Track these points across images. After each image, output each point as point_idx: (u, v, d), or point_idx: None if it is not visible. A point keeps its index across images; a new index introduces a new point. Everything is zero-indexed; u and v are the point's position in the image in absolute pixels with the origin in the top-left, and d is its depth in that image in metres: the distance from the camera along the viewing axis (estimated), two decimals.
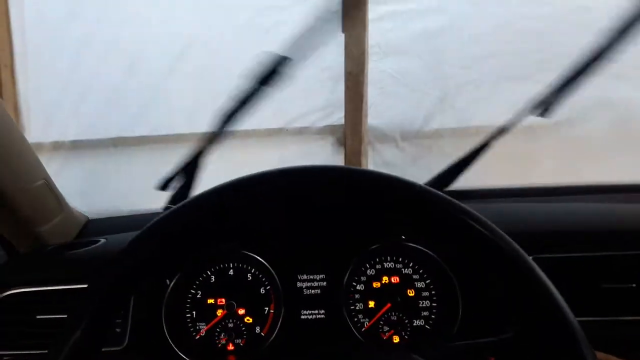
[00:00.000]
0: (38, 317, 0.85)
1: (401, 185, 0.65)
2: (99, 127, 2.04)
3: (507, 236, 0.60)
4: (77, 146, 2.05)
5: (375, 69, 2.01)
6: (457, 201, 0.64)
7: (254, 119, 2.05)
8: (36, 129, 2.03)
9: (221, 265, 0.95)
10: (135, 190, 2.03)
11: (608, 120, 2.01)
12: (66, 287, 0.86)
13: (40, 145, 1.99)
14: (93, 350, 0.54)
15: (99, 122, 2.04)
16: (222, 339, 0.92)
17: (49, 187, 0.92)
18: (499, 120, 2.06)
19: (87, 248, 0.95)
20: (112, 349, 0.82)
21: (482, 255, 0.62)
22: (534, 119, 2.04)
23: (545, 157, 2.03)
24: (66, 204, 1.00)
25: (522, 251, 0.59)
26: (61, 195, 0.98)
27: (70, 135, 2.04)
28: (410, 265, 0.96)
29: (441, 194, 0.64)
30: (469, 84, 2.04)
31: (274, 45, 1.99)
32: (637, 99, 2.01)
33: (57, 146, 2.03)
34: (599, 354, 0.56)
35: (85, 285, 0.83)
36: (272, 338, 0.91)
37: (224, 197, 0.64)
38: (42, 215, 0.91)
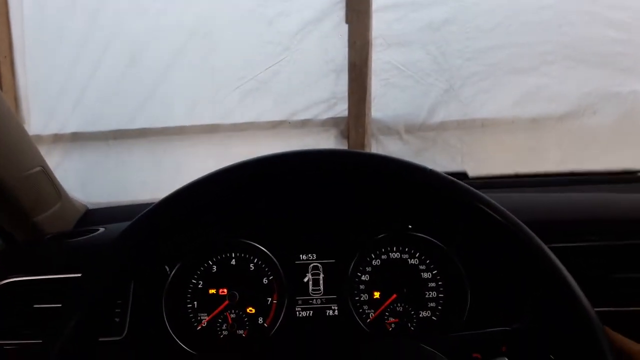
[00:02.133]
0: (36, 305, 0.83)
1: (410, 169, 0.62)
2: (99, 119, 2.03)
3: (521, 223, 0.58)
4: (77, 138, 2.03)
5: (379, 60, 2.00)
6: (466, 185, 0.62)
7: (255, 112, 2.05)
8: (36, 121, 2.01)
9: (223, 255, 0.92)
10: (136, 182, 2.02)
11: (615, 113, 1.99)
12: (64, 276, 0.83)
13: (40, 138, 1.98)
14: (89, 339, 0.52)
15: (99, 115, 2.02)
16: (224, 329, 0.90)
17: (46, 174, 0.90)
18: (504, 113, 2.06)
19: (85, 237, 0.92)
20: (111, 338, 0.80)
21: (494, 242, 0.59)
22: (539, 111, 2.03)
23: (552, 149, 2.01)
24: (65, 193, 0.97)
25: (537, 238, 0.57)
26: (59, 183, 0.96)
27: (70, 128, 2.03)
28: (417, 255, 0.94)
29: (450, 177, 0.62)
30: (474, 75, 2.03)
31: (276, 36, 1.99)
32: None
33: (57, 139, 2.02)
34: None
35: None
36: (275, 329, 0.89)
37: (223, 181, 0.61)
38: (40, 203, 0.89)
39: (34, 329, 0.83)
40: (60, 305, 0.79)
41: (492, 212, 0.58)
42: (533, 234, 0.57)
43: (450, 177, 0.62)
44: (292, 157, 0.63)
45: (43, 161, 0.90)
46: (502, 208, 0.59)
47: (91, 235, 0.93)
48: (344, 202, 0.90)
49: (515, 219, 0.58)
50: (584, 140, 2.01)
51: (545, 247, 0.56)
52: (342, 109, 2.04)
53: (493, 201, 0.59)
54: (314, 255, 0.93)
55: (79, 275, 0.81)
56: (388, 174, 0.62)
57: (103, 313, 0.53)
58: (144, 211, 0.57)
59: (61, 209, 0.95)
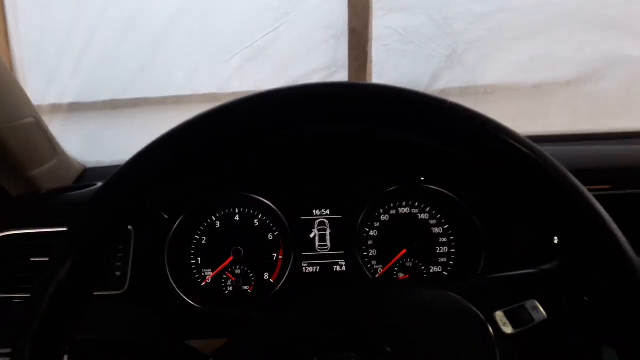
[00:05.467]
0: (32, 259, 0.80)
1: (426, 100, 0.57)
2: (96, 89, 1.98)
3: (555, 160, 0.54)
4: (75, 108, 1.99)
5: (380, 25, 1.94)
6: (494, 119, 0.57)
7: (254, 80, 2.00)
8: (33, 91, 1.95)
9: (226, 211, 0.89)
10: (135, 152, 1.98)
11: (624, 78, 1.94)
12: (59, 230, 0.80)
13: (38, 108, 1.93)
14: (82, 293, 0.48)
15: (96, 84, 1.98)
16: (229, 285, 0.87)
17: (40, 127, 0.85)
18: (509, 79, 2.01)
19: (82, 191, 0.89)
20: (112, 292, 0.77)
21: (522, 180, 0.55)
22: (545, 77, 1.99)
23: (557, 116, 1.97)
24: (61, 149, 0.93)
25: (573, 177, 0.53)
26: (55, 140, 0.92)
27: (68, 98, 1.98)
28: (428, 209, 0.91)
29: (472, 109, 0.57)
30: (477, 40, 1.97)
31: (275, 1, 1.94)
32: None
33: (56, 109, 1.97)
34: None
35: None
36: (281, 284, 0.86)
37: (223, 118, 0.56)
38: (34, 157, 0.85)
39: (30, 283, 0.80)
40: None
41: (522, 147, 0.53)
42: (569, 173, 0.53)
43: (472, 109, 0.57)
44: (298, 90, 0.58)
45: (36, 113, 0.85)
46: (533, 144, 0.54)
47: (88, 189, 0.90)
48: (351, 154, 0.86)
49: (549, 156, 0.54)
50: (592, 106, 1.96)
51: (583, 186, 0.52)
52: (342, 76, 1.99)
53: (515, 131, 0.55)
54: (321, 210, 0.90)
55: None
56: (403, 107, 0.57)
57: (93, 263, 0.49)
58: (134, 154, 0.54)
59: (58, 165, 0.91)
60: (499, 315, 0.52)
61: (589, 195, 0.51)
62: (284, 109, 0.55)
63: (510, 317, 0.52)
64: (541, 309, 0.52)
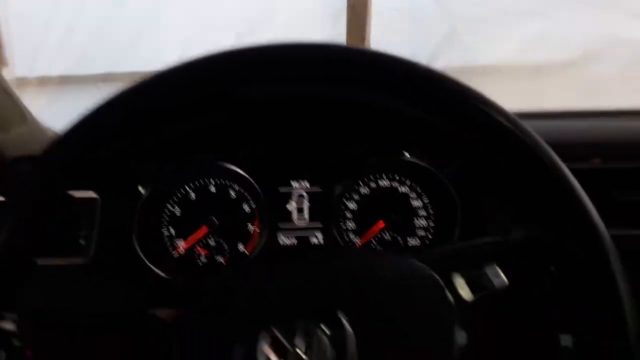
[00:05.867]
0: None
1: (417, 70, 0.56)
2: (87, 61, 1.95)
3: (531, 130, 0.53)
4: (65, 82, 1.96)
5: (379, 3, 1.91)
6: (473, 87, 0.55)
7: None
8: (20, 63, 1.93)
9: (201, 182, 0.87)
10: None
11: (625, 60, 1.90)
12: None
13: (25, 80, 1.90)
14: (19, 261, 0.47)
15: (87, 56, 1.95)
16: (202, 257, 0.85)
17: (4, 89, 0.82)
18: (508, 59, 1.97)
19: None
20: (74, 261, 0.74)
21: (499, 150, 0.54)
22: (544, 58, 1.95)
23: (556, 97, 1.93)
24: (31, 116, 0.90)
25: (549, 149, 0.52)
26: (24, 105, 0.89)
27: (57, 70, 1.95)
28: (407, 182, 0.88)
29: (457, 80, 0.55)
30: (478, 19, 1.94)
31: None
32: None
33: (44, 81, 1.94)
34: None
35: None
36: (255, 256, 0.84)
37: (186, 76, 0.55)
38: None
39: None
40: None
41: (498, 117, 0.52)
42: (544, 144, 0.52)
43: (456, 79, 0.55)
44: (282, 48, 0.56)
45: (2, 79, 0.82)
46: (512, 114, 0.53)
47: None
48: (332, 124, 0.84)
49: (527, 127, 0.53)
50: (591, 88, 1.93)
51: (557, 157, 0.51)
52: None
53: (497, 104, 0.54)
54: (299, 181, 0.87)
55: None
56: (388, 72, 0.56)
57: (30, 231, 0.48)
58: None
59: (26, 132, 0.88)
60: (459, 281, 0.51)
61: (563, 166, 0.50)
62: (274, 66, 0.54)
63: (470, 283, 0.51)
64: (502, 275, 0.51)
